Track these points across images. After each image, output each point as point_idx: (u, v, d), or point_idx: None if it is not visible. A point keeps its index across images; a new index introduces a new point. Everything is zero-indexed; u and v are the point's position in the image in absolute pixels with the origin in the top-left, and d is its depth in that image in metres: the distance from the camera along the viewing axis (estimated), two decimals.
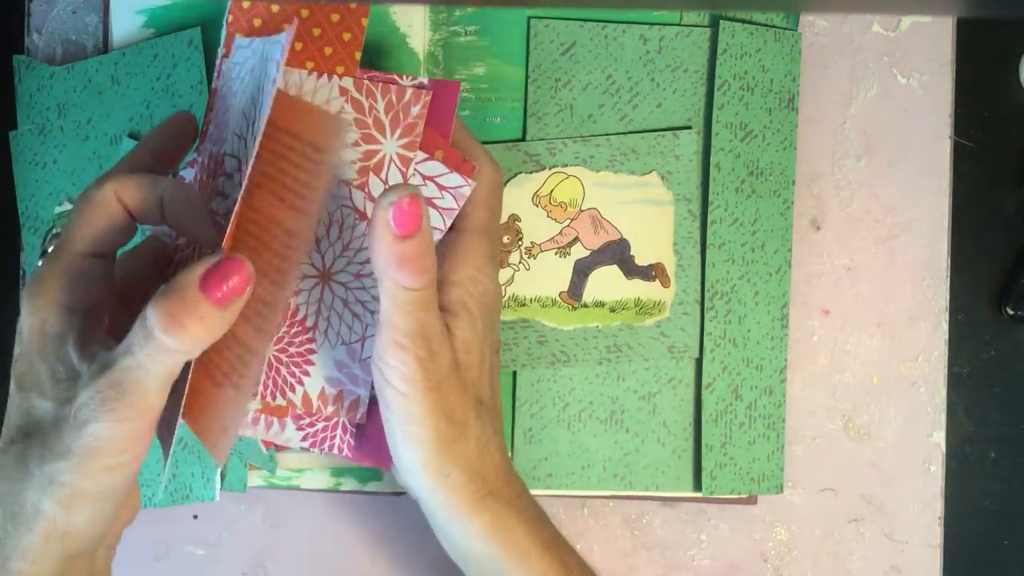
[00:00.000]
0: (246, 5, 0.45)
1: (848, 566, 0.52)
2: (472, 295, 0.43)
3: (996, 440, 0.53)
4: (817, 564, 0.52)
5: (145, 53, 0.51)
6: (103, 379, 0.35)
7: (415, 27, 0.51)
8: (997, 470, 0.54)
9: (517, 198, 0.51)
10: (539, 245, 0.51)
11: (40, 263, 0.39)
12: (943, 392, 0.52)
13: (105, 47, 0.52)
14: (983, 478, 0.53)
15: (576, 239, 0.51)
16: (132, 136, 0.52)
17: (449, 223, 0.45)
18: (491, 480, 0.43)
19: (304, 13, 0.45)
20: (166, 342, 0.34)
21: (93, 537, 0.37)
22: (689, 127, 0.51)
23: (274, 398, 0.46)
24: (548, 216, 0.51)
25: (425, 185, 0.45)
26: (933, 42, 0.52)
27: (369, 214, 0.45)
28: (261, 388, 0.46)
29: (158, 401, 0.35)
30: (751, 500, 0.51)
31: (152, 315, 0.34)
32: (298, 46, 0.45)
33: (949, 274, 0.52)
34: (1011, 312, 0.53)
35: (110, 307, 0.40)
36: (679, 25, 0.51)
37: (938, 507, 0.51)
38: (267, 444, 0.50)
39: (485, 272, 0.44)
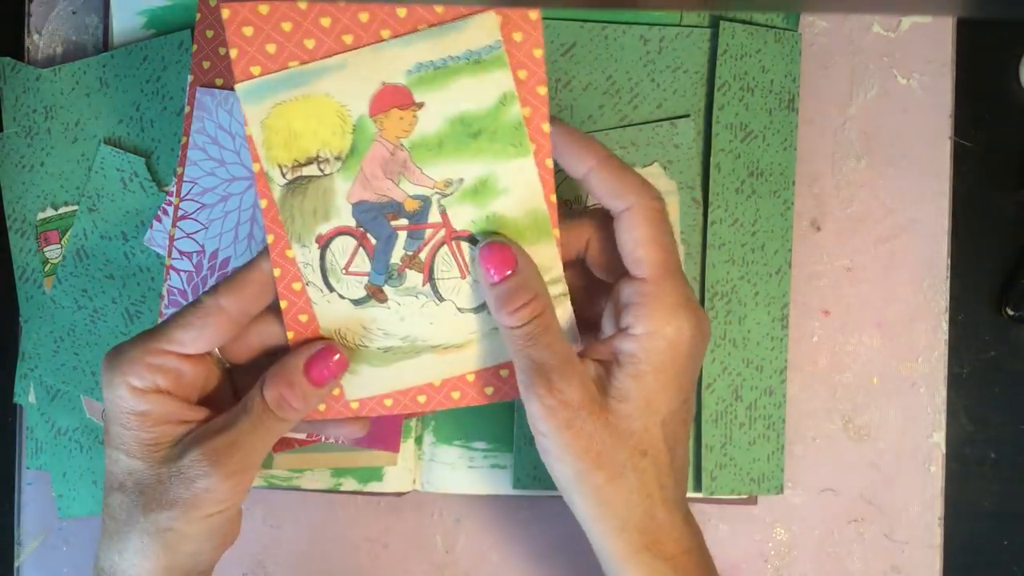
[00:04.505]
0: (212, 3, 0.48)
1: (848, 566, 0.52)
2: (647, 349, 0.40)
3: (996, 440, 0.54)
4: (817, 564, 0.52)
5: (135, 55, 0.51)
6: (216, 440, 0.40)
7: None
8: (997, 470, 0.54)
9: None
10: None
11: (128, 340, 0.42)
12: (943, 392, 0.52)
13: (105, 47, 0.52)
14: (983, 478, 0.54)
15: None
16: (111, 142, 0.51)
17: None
18: (650, 533, 0.41)
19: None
20: (277, 415, 0.41)
21: (191, 569, 0.42)
22: (687, 115, 0.51)
23: None
24: None
25: None
26: (933, 42, 0.52)
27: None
28: None
29: (260, 460, 0.42)
30: (751, 500, 0.51)
31: (268, 395, 0.41)
32: None
33: (949, 274, 0.52)
34: (1011, 312, 0.53)
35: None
36: (679, 26, 0.51)
37: (938, 507, 0.51)
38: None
39: (670, 323, 0.40)
